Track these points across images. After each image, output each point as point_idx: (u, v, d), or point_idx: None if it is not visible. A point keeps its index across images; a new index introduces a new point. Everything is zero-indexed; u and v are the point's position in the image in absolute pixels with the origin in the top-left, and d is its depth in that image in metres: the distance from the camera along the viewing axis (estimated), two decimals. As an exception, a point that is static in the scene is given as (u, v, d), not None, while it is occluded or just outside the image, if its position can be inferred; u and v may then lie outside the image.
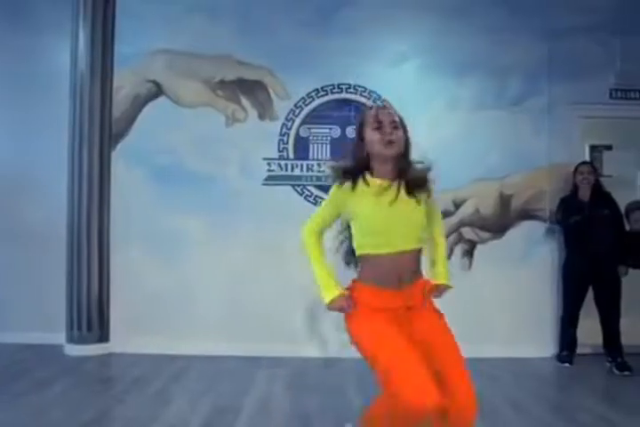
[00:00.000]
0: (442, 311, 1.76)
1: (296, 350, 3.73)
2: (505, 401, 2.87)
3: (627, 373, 3.37)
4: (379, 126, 1.65)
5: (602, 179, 3.76)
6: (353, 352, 1.72)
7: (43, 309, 3.87)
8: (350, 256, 1.81)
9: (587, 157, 3.92)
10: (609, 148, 4.04)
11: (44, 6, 3.97)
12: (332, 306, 1.67)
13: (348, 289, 1.71)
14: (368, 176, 1.69)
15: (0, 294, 3.92)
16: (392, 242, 1.64)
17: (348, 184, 1.67)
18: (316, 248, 1.73)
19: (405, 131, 1.70)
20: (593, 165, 3.66)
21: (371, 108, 1.80)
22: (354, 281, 1.73)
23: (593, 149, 4.03)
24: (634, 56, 3.90)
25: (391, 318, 1.64)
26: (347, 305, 1.66)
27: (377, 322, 1.63)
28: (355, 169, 1.69)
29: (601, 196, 3.58)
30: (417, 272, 1.72)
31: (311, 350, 3.75)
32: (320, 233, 1.76)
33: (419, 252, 1.71)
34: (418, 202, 1.67)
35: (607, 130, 4.00)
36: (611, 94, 3.95)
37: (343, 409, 2.68)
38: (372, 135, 1.67)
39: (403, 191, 1.66)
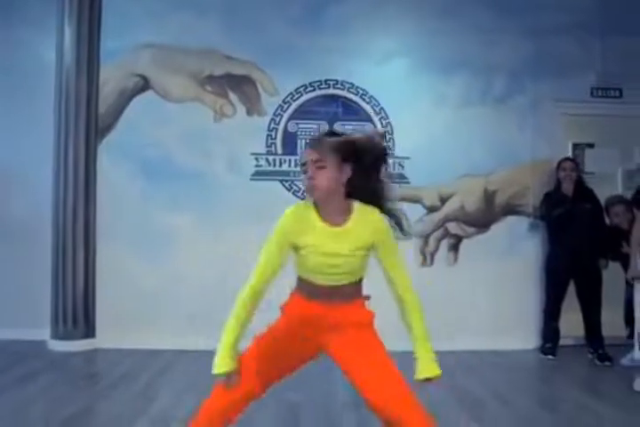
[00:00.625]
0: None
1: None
2: (489, 393, 2.92)
3: (607, 363, 3.47)
4: (305, 170, 1.50)
5: (585, 176, 3.87)
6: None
7: (27, 304, 3.81)
8: None
9: (569, 154, 4.02)
10: (591, 145, 4.15)
11: (30, 1, 3.93)
12: (219, 377, 1.48)
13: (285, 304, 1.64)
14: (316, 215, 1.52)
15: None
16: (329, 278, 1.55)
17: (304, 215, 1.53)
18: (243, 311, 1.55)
19: (348, 157, 1.49)
20: (575, 162, 3.76)
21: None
22: (292, 293, 1.64)
23: (575, 146, 4.14)
24: (614, 56, 4.01)
25: (300, 335, 1.56)
26: (230, 382, 1.48)
27: (283, 336, 1.58)
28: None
29: (583, 191, 3.69)
30: (354, 295, 1.59)
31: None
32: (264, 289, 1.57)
33: (359, 281, 1.61)
34: (362, 248, 1.51)
35: (589, 127, 4.10)
36: (592, 93, 4.06)
37: (330, 398, 2.72)
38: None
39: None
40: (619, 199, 3.58)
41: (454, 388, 2.92)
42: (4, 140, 3.94)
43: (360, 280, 1.61)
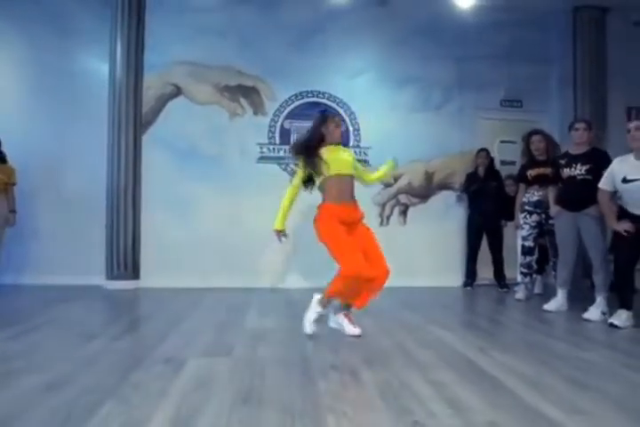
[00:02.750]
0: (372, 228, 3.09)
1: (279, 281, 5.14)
2: (426, 320, 4.34)
3: (505, 290, 5.03)
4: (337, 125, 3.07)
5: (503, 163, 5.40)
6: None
7: (85, 256, 5.02)
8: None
9: (488, 146, 5.56)
10: (513, 142, 5.57)
11: (90, 25, 5.12)
12: (275, 232, 3.03)
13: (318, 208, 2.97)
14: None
15: (53, 246, 5.07)
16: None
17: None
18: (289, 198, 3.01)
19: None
20: (488, 151, 5.27)
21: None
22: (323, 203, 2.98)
23: (502, 142, 5.64)
24: (516, 77, 5.58)
25: (344, 226, 2.88)
26: (278, 238, 3.03)
27: (336, 228, 2.85)
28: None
29: (492, 172, 5.22)
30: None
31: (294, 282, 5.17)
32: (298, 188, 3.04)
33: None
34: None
35: (500, 128, 5.65)
36: (501, 103, 5.63)
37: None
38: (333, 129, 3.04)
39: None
40: (509, 176, 5.14)
41: (404, 303, 4.40)
42: (68, 133, 5.12)
43: None
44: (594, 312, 3.66)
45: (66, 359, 2.44)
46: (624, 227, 3.42)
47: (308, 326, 2.93)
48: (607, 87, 5.54)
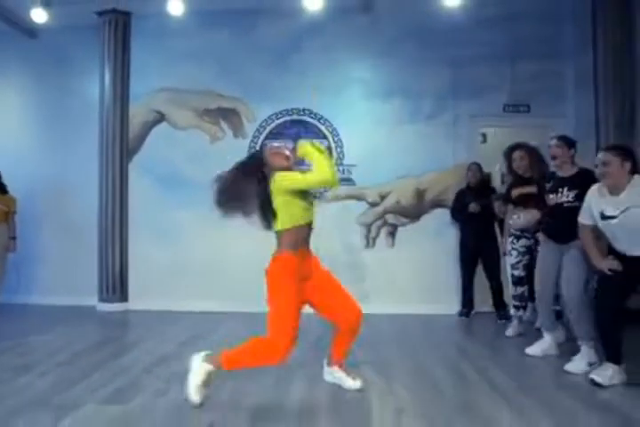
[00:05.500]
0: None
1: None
2: (420, 345, 3.83)
3: (504, 321, 4.40)
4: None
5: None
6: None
7: (79, 280, 5.27)
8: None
9: (486, 159, 4.97)
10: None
11: (81, 56, 5.39)
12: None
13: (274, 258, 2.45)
14: None
15: (48, 269, 5.38)
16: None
17: None
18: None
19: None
20: (479, 165, 4.70)
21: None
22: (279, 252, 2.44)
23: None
24: (520, 79, 4.95)
25: (301, 284, 2.41)
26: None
27: (292, 290, 2.38)
28: None
29: (485, 189, 4.63)
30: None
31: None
32: None
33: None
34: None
35: (504, 137, 5.01)
36: (504, 109, 5.02)
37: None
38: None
39: None
40: (497, 197, 4.47)
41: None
42: (59, 162, 5.39)
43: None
44: (578, 364, 3.07)
45: None
46: (609, 265, 2.84)
47: (194, 393, 2.39)
48: (637, 85, 4.70)
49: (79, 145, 5.38)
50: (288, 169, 2.48)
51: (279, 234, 2.50)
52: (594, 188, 2.94)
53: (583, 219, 2.99)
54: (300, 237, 2.49)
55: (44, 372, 3.03)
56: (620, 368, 2.81)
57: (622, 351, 2.82)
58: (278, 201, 2.44)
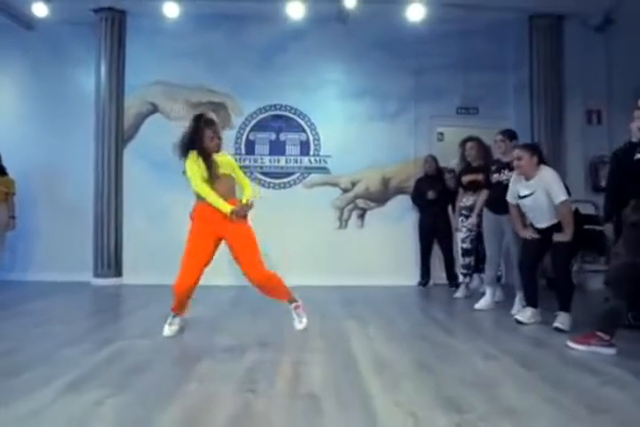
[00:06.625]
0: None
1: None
2: (386, 305, 4.71)
3: (454, 288, 5.23)
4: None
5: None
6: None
7: (76, 256, 5.71)
8: None
9: (443, 152, 5.83)
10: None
11: (78, 49, 5.82)
12: (234, 213, 3.05)
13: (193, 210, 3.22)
14: None
15: (48, 247, 5.78)
16: None
17: None
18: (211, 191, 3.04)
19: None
20: (434, 157, 5.53)
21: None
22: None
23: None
24: (471, 86, 5.83)
25: (209, 229, 3.15)
26: (245, 211, 3.07)
27: (200, 233, 3.22)
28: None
29: (439, 177, 5.46)
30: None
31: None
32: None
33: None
34: None
35: (457, 134, 5.89)
36: (457, 111, 5.89)
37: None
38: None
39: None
40: (449, 170, 5.31)
41: (343, 300, 4.77)
42: (56, 147, 5.80)
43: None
44: (517, 306, 3.95)
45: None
46: (527, 233, 3.69)
47: (167, 328, 3.24)
48: (565, 92, 5.69)
49: (75, 131, 5.79)
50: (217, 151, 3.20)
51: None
52: (515, 174, 3.77)
53: (509, 198, 3.82)
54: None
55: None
56: (536, 311, 3.66)
57: (537, 298, 3.67)
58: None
